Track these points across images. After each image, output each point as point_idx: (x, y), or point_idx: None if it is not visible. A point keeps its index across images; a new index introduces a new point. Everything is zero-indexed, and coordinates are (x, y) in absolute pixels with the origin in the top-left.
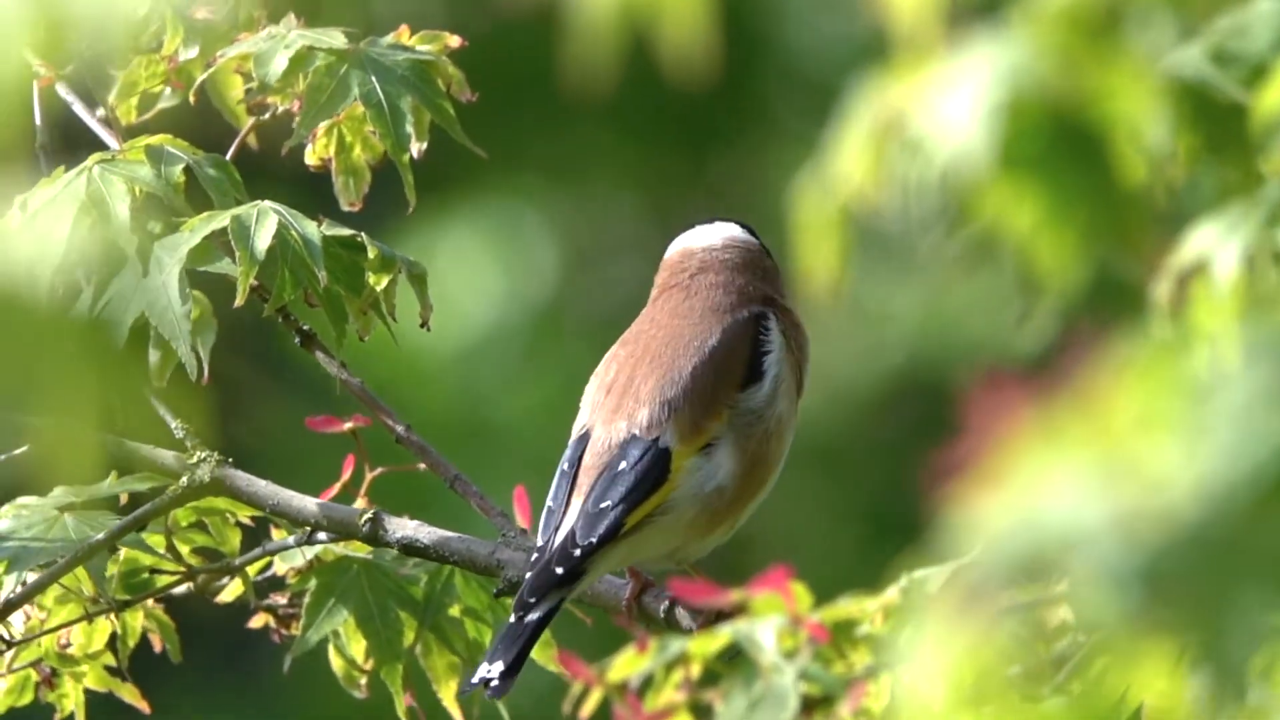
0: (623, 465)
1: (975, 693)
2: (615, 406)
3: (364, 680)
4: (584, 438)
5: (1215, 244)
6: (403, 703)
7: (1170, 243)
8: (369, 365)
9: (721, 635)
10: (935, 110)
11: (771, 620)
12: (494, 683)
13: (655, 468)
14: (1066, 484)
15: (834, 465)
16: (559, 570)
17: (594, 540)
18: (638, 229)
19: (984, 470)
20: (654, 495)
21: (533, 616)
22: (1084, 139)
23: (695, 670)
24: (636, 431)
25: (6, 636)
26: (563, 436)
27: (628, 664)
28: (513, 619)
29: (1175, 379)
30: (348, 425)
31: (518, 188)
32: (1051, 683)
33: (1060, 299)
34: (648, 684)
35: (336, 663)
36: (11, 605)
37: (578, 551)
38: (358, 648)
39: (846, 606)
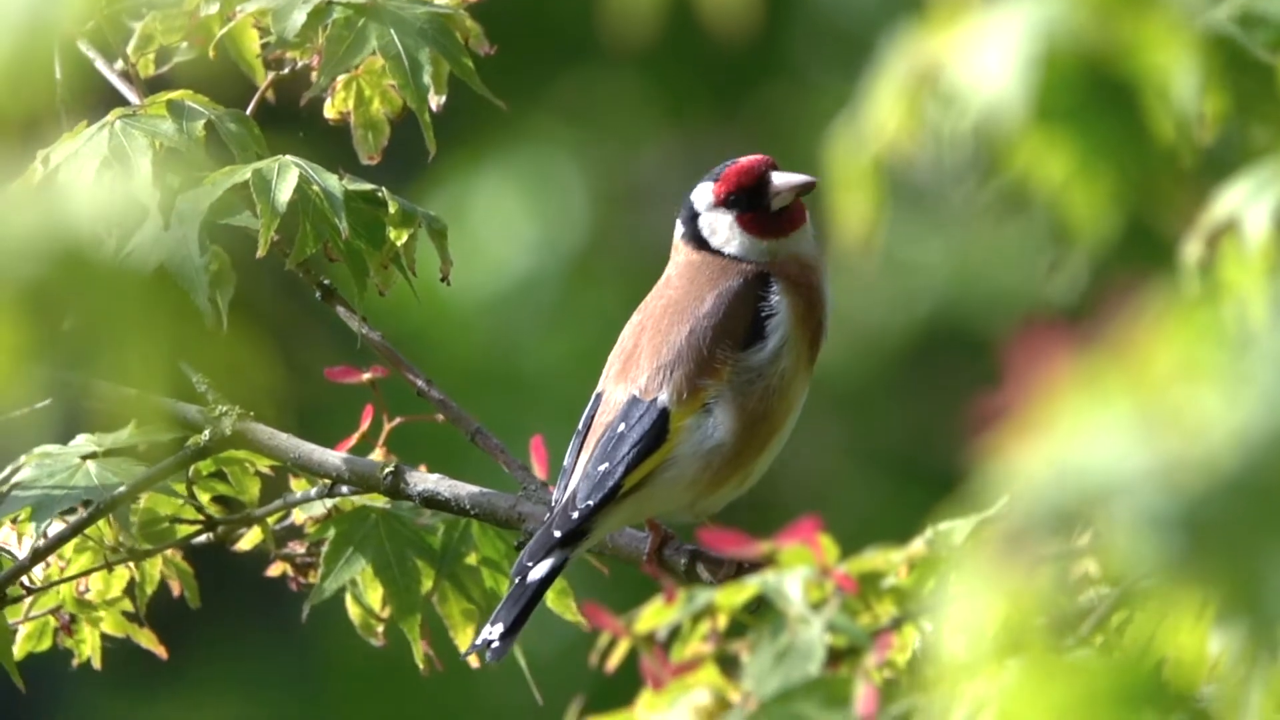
0: (622, 426)
1: (1004, 643)
2: (621, 370)
3: (381, 629)
4: (596, 400)
5: (1245, 202)
6: (420, 651)
7: (1202, 198)
8: (401, 314)
9: (749, 587)
10: (970, 62)
11: (799, 572)
12: (494, 644)
13: (654, 427)
14: (1106, 433)
15: (864, 413)
16: (557, 533)
17: (592, 502)
18: (670, 177)
19: (1023, 419)
20: (653, 454)
21: (533, 577)
22: (1118, 91)
23: (722, 622)
24: (636, 393)
25: (26, 583)
26: (594, 385)
27: (655, 615)
28: (515, 581)
29: (1214, 328)
30: (366, 376)
31: (550, 135)
32: (1076, 635)
33: (1092, 250)
34: (674, 635)
35: (354, 611)
36: (39, 554)
37: (576, 514)
38: (375, 596)
39: (873, 558)
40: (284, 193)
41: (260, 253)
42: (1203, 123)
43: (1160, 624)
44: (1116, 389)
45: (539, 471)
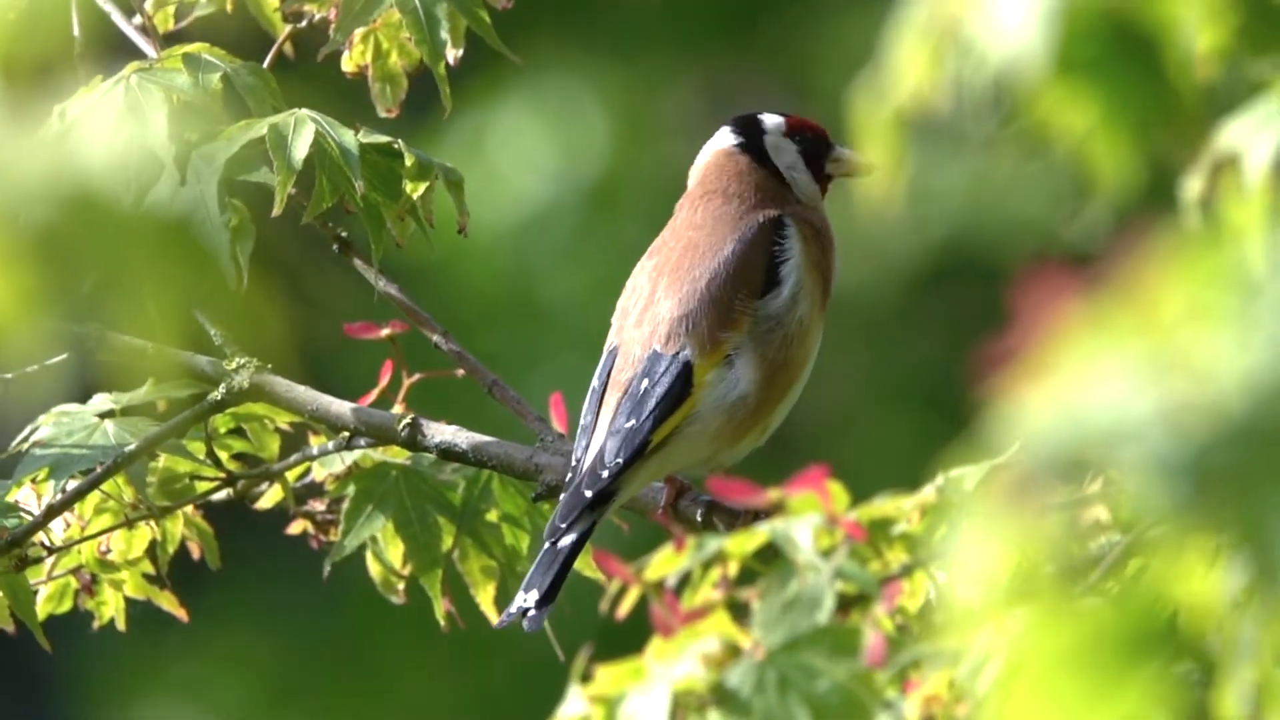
0: (645, 383)
1: (1014, 590)
2: (638, 322)
3: (402, 586)
4: (612, 354)
5: (1248, 138)
6: (441, 607)
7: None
8: (420, 246)
9: (760, 534)
10: (992, 14)
11: (808, 519)
12: (530, 613)
13: (678, 382)
14: (1115, 376)
15: (880, 342)
16: (588, 493)
17: (621, 460)
18: (690, 106)
19: (1031, 362)
20: (678, 410)
21: (565, 541)
22: (1140, 41)
23: (733, 569)
24: (658, 347)
25: (47, 543)
26: (611, 314)
27: (665, 563)
28: (546, 545)
29: (1224, 271)
30: (385, 331)
31: (570, 65)
32: (1087, 582)
33: (1114, 199)
34: (685, 582)
35: (374, 569)
36: (53, 511)
37: (605, 473)
38: (395, 553)
39: (883, 505)
40: (300, 148)
41: (277, 209)
42: (1213, 67)
43: (1171, 570)
44: (1125, 331)
45: (558, 425)
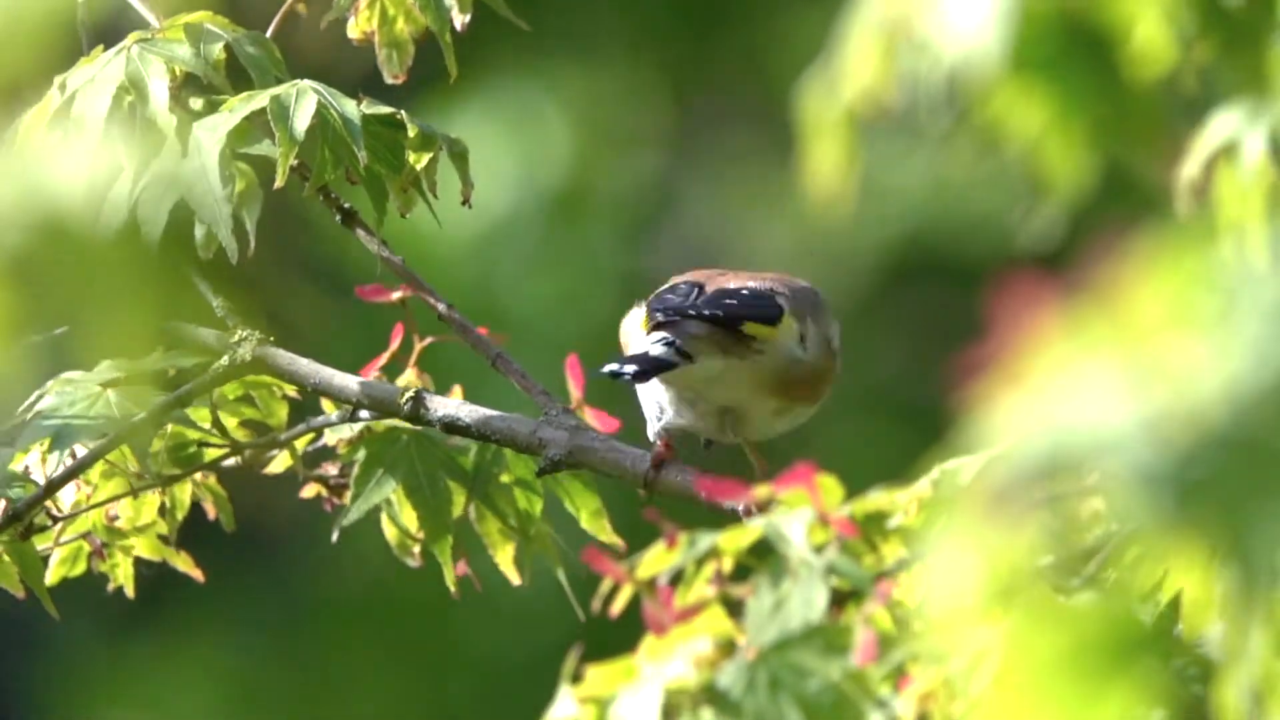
0: (746, 290)
1: (1005, 588)
2: (720, 276)
3: (417, 549)
4: (690, 284)
5: (1241, 128)
6: (452, 574)
7: (1179, 143)
8: (370, 265)
9: (753, 529)
10: (945, 11)
11: (800, 514)
12: (625, 373)
13: (771, 307)
14: (1093, 385)
15: (847, 346)
16: (692, 312)
17: (720, 313)
18: (653, 115)
19: (1008, 370)
20: (764, 326)
21: (655, 351)
22: (1094, 40)
23: (727, 565)
24: (754, 284)
25: (54, 512)
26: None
27: (656, 561)
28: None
29: (1203, 273)
30: (396, 295)
31: (532, 71)
32: (1083, 574)
33: (1068, 198)
34: (678, 579)
35: (390, 532)
36: (54, 485)
37: (707, 311)
38: (408, 518)
39: (876, 499)
40: (302, 120)
41: (279, 181)
42: (1168, 67)
43: (1167, 566)
44: (1103, 338)
45: (574, 389)
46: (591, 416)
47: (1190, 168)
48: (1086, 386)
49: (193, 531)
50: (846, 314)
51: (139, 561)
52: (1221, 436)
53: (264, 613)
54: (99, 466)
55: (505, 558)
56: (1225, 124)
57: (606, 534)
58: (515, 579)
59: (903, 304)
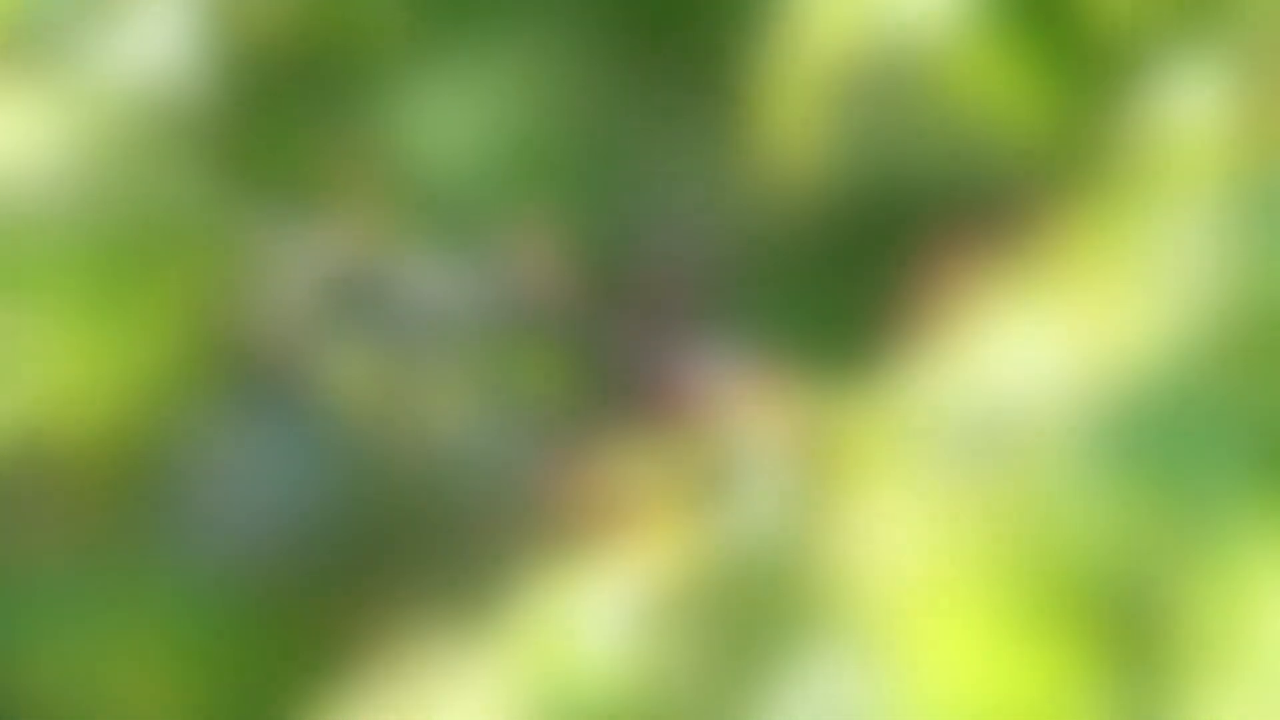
0: None
1: (938, 551)
2: None
3: None
4: None
5: (1183, 88)
6: None
7: (1127, 104)
8: None
9: None
10: None
11: None
12: None
13: None
14: (1026, 342)
15: (774, 299)
16: None
17: None
18: (604, 115)
19: (937, 326)
20: None
21: None
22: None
23: None
24: None
25: None
26: None
27: None
28: None
29: (1144, 228)
30: None
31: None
32: (1015, 531)
33: (1018, 152)
34: None
35: None
36: None
37: None
38: None
39: None
40: None
41: None
42: (1125, 24)
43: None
44: (1039, 292)
45: None
46: None
47: (1135, 119)
48: (1019, 344)
49: None
50: (785, 269)
51: None
52: (1162, 394)
53: None
54: None
55: None
56: (1172, 74)
57: None
58: None
59: (841, 258)
